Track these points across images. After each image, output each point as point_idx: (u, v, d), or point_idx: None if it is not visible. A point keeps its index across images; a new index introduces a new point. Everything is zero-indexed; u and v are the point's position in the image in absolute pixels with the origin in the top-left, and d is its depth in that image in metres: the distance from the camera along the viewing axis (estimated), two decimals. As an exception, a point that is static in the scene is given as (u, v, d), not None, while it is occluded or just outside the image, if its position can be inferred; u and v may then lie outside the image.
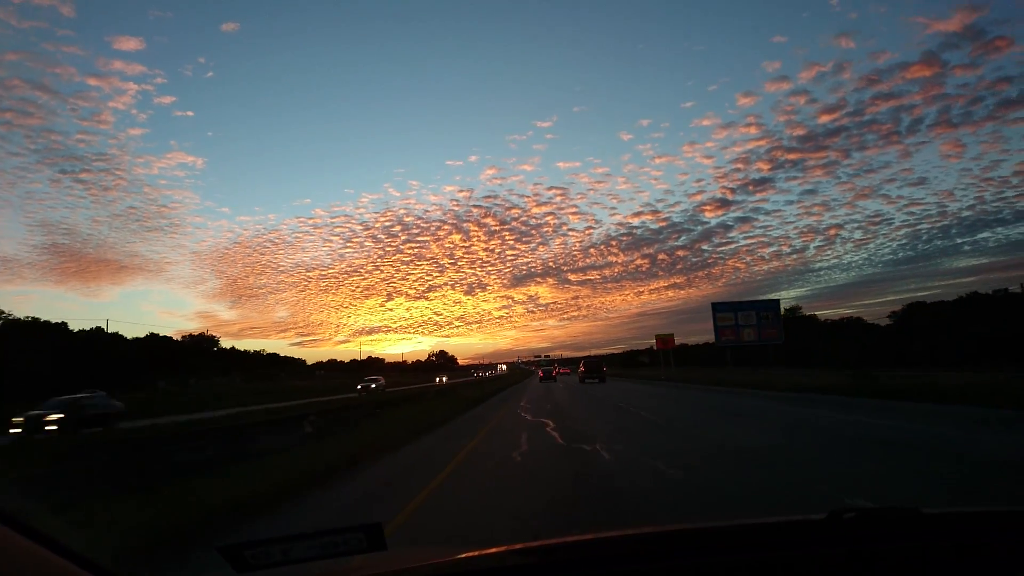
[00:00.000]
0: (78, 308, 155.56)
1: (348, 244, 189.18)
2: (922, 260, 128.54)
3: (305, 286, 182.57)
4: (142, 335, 75.33)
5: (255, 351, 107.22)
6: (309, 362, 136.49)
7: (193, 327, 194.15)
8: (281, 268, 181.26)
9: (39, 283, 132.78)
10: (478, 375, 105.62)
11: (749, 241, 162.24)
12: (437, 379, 78.61)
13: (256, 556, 1.10)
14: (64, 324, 63.92)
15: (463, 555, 1.29)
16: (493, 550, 1.27)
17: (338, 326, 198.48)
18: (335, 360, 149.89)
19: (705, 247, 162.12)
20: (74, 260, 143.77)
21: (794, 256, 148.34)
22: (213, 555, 1.14)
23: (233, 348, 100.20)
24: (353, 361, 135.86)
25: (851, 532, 1.26)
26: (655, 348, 66.11)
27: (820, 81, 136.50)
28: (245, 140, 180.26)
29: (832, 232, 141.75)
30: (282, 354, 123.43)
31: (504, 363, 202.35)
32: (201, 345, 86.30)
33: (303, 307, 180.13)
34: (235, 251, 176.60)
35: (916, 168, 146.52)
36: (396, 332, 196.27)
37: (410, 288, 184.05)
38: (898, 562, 1.20)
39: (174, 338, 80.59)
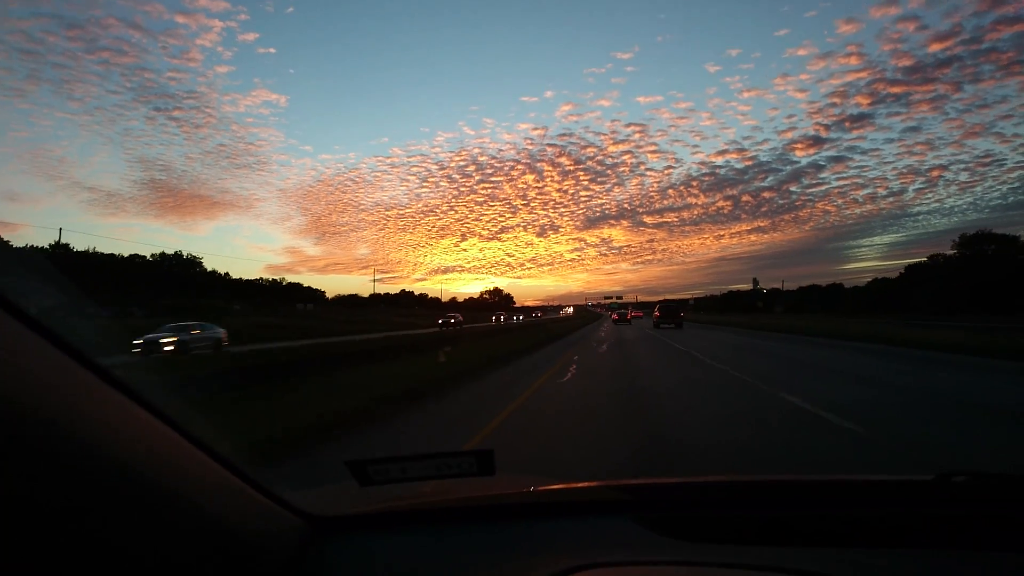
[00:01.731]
0: (175, 241, 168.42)
1: (424, 184, 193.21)
2: None
3: (384, 225, 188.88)
4: (236, 273, 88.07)
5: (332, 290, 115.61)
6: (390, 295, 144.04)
7: (281, 261, 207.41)
8: (361, 207, 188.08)
9: (141, 216, 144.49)
10: (518, 319, 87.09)
11: (842, 183, 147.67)
12: (493, 319, 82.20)
13: (378, 472, 1.21)
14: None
15: (563, 486, 1.40)
16: (591, 484, 1.40)
17: (415, 264, 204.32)
18: (405, 294, 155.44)
19: (793, 188, 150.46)
20: (171, 195, 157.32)
21: (890, 199, 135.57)
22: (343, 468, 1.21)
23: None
24: (415, 296, 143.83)
25: (960, 495, 1.26)
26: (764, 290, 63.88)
27: (934, 4, 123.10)
28: (324, 78, 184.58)
29: (935, 174, 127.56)
30: (362, 293, 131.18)
31: (571, 306, 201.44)
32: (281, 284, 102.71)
33: (382, 245, 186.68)
34: (318, 189, 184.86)
35: None
36: (470, 272, 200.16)
37: (483, 229, 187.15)
38: (1006, 528, 1.18)
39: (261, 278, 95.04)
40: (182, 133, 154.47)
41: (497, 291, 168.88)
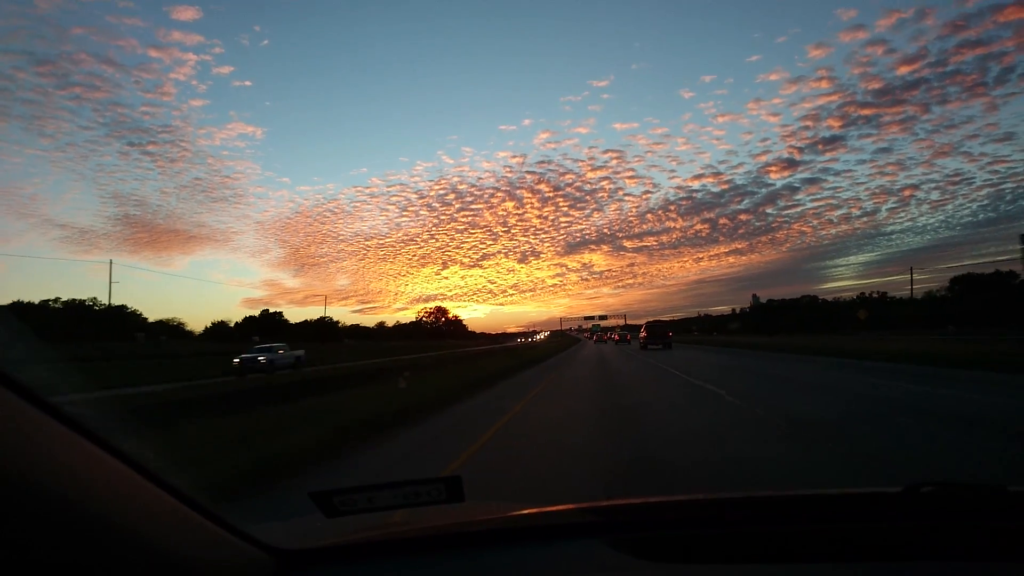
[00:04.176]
0: (151, 277, 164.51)
1: (404, 213, 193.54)
2: (1004, 222, 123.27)
3: (364, 255, 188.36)
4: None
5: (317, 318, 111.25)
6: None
7: (260, 295, 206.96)
8: (341, 237, 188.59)
9: (115, 252, 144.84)
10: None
11: (816, 204, 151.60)
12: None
13: (344, 503, 1.18)
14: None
15: (534, 511, 1.38)
16: (563, 507, 1.39)
17: (396, 294, 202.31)
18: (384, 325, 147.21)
19: (769, 211, 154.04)
20: (146, 230, 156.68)
21: (864, 219, 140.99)
22: (307, 500, 1.19)
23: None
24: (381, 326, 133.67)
25: (927, 507, 1.28)
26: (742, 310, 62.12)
27: (900, 29, 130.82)
28: (302, 110, 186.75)
29: (907, 193, 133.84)
30: (345, 321, 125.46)
31: (546, 331, 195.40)
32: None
33: (363, 275, 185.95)
34: (296, 220, 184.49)
35: (1002, 123, 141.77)
36: (452, 300, 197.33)
37: (464, 256, 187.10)
38: (975, 540, 1.20)
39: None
40: (157, 167, 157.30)
41: (440, 313, 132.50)
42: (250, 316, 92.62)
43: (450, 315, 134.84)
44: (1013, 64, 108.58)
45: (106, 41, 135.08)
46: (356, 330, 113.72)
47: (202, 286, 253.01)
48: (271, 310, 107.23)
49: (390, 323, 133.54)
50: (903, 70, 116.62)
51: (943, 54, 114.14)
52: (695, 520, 1.33)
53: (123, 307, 79.40)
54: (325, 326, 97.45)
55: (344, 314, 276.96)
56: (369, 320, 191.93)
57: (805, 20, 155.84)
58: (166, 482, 0.86)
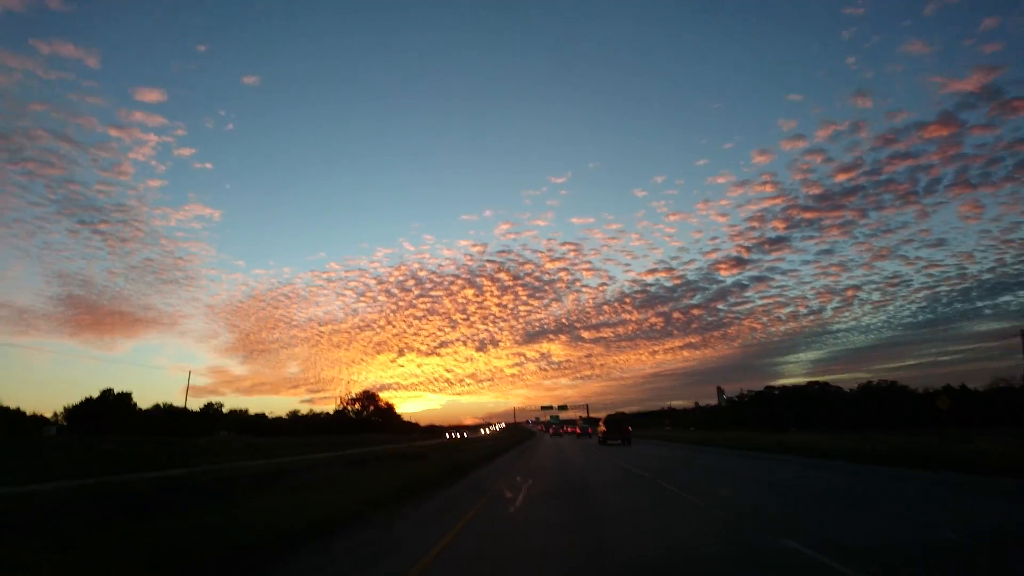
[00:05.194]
0: (91, 362, 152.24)
1: (361, 298, 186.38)
2: (942, 323, 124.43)
3: (317, 341, 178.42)
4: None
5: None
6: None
7: (204, 382, 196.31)
8: (294, 322, 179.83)
9: (54, 335, 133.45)
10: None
11: (765, 301, 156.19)
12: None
13: None
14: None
15: None
16: None
17: (349, 382, 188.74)
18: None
19: (721, 306, 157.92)
20: (89, 312, 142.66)
21: (811, 317, 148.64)
22: None
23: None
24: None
25: None
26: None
27: (836, 140, 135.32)
28: (262, 193, 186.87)
29: (850, 293, 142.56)
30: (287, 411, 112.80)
31: (501, 423, 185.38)
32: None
33: (314, 363, 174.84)
34: (248, 305, 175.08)
35: (934, 229, 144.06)
36: (407, 390, 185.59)
37: (422, 344, 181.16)
38: None
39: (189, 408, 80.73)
40: (107, 247, 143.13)
41: (368, 401, 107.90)
42: (89, 398, 73.84)
43: (381, 403, 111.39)
44: (939, 176, 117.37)
45: (65, 118, 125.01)
46: (261, 421, 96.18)
47: (144, 371, 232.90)
48: (214, 402, 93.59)
49: (319, 410, 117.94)
50: (841, 177, 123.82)
51: (877, 164, 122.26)
52: None
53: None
54: (190, 417, 78.30)
55: (290, 403, 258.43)
56: (296, 407, 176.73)
57: (749, 128, 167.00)
58: None
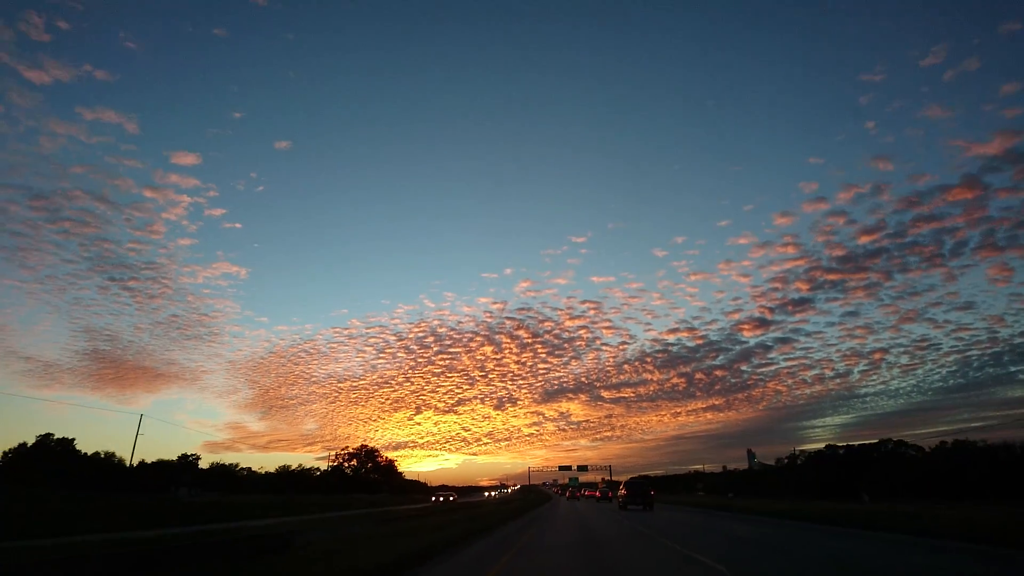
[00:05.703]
0: (112, 415, 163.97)
1: (381, 355, 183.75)
2: (974, 388, 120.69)
3: (335, 397, 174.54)
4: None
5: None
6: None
7: (221, 438, 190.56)
8: (313, 379, 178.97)
9: (77, 388, 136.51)
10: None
11: (790, 363, 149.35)
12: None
13: None
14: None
15: None
16: None
17: (365, 439, 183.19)
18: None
19: (744, 368, 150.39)
20: (113, 366, 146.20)
21: (837, 380, 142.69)
22: None
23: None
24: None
25: None
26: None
27: (858, 202, 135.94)
28: (288, 252, 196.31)
29: (877, 356, 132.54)
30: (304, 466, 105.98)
31: (517, 484, 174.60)
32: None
33: (332, 419, 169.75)
34: (269, 360, 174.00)
35: (962, 292, 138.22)
36: (423, 448, 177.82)
37: (439, 401, 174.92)
38: None
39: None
40: (135, 303, 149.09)
41: (367, 457, 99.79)
42: (23, 444, 66.95)
43: (381, 459, 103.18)
44: (965, 238, 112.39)
45: (103, 179, 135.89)
46: (242, 476, 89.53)
47: (163, 427, 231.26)
48: (227, 462, 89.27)
49: (315, 466, 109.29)
50: (864, 239, 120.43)
51: (901, 226, 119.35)
52: None
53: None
54: (148, 470, 72.84)
55: (306, 460, 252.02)
56: (315, 464, 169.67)
57: (770, 190, 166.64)
58: None
